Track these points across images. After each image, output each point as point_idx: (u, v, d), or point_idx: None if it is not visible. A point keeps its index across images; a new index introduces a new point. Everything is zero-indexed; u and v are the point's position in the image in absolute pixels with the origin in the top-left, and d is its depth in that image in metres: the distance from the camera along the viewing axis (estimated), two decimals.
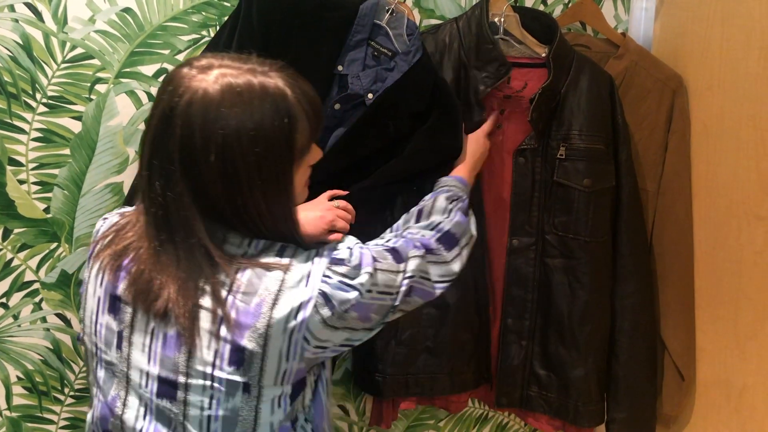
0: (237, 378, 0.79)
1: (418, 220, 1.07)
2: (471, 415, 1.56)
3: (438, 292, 0.97)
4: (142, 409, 0.84)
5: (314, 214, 1.08)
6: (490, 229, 1.33)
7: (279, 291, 0.80)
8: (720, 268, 1.27)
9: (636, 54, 1.36)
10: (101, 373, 0.87)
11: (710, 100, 1.29)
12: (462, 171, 1.19)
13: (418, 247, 0.95)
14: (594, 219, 1.27)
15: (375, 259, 0.87)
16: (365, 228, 1.17)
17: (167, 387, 0.81)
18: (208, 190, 0.80)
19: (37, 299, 1.29)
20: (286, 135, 0.81)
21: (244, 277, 0.80)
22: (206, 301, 0.79)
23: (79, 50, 1.23)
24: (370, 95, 1.21)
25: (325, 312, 0.81)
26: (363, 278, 0.84)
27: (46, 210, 1.26)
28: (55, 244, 1.28)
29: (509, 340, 1.33)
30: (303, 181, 0.92)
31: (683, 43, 1.36)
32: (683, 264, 1.33)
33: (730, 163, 1.24)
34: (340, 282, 0.83)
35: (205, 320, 0.79)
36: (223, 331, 0.79)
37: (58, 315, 1.31)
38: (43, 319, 1.30)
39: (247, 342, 0.78)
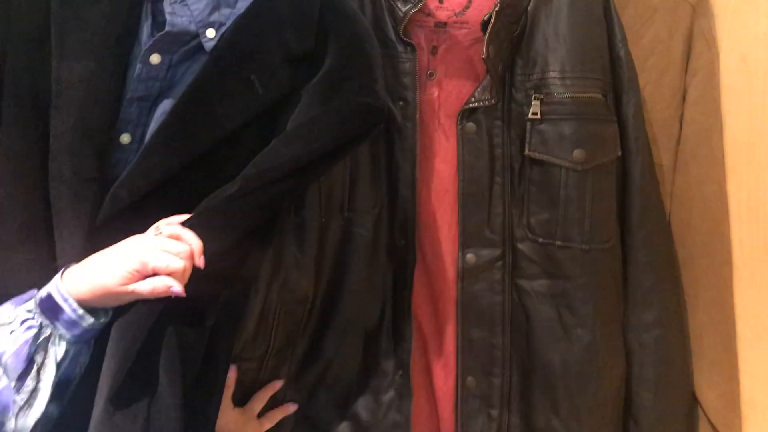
0: None
1: None
2: None
3: None
4: None
5: (114, 253, 0.64)
6: (430, 239, 0.87)
7: None
8: None
9: None
10: None
11: (752, 18, 0.90)
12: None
13: None
14: (593, 213, 0.83)
15: None
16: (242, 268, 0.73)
17: None
18: None
19: None
20: None
21: None
22: None
23: None
24: (210, 32, 0.72)
25: None
26: None
27: None
28: None
29: (472, 409, 0.88)
30: None
31: None
32: (718, 273, 0.94)
33: None
34: None
35: None
36: None
37: None
38: None
39: None
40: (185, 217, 0.67)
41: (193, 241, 0.65)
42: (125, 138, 0.70)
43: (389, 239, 0.85)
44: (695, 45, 0.93)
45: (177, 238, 0.65)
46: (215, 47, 0.71)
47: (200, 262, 0.64)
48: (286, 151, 0.71)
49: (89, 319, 0.62)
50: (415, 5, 0.80)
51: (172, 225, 0.66)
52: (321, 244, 0.81)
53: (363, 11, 0.82)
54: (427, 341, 0.88)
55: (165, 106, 0.71)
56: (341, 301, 0.82)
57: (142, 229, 0.66)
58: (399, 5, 0.81)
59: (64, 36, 0.67)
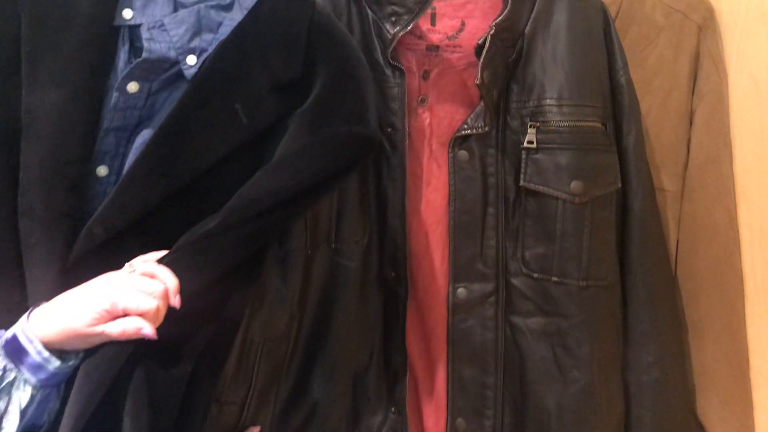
0: None
1: None
2: None
3: None
4: None
5: (83, 292, 0.61)
6: (422, 272, 0.83)
7: None
8: None
9: None
10: None
11: (762, 37, 0.84)
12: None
13: None
14: (591, 248, 0.78)
15: None
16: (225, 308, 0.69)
17: None
18: None
19: None
20: None
21: None
22: None
23: None
24: (191, 59, 0.68)
25: None
26: None
27: None
28: None
29: None
30: None
31: None
32: (730, 304, 0.88)
33: None
34: None
35: None
36: None
37: None
38: None
39: None
40: (162, 253, 0.64)
41: (168, 280, 0.61)
42: (102, 170, 0.67)
43: (379, 271, 0.81)
44: (702, 66, 0.88)
45: (151, 276, 0.61)
46: (196, 74, 0.67)
47: (176, 301, 0.61)
48: (272, 182, 0.67)
49: (56, 362, 0.59)
50: (404, 27, 0.75)
51: (147, 262, 0.63)
52: (306, 277, 0.76)
53: (351, 33, 0.77)
54: (418, 380, 0.84)
55: (144, 136, 0.68)
56: (328, 338, 0.77)
57: (119, 267, 0.62)
58: (388, 27, 0.76)
59: (35, 64, 0.64)
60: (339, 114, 0.70)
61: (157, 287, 0.60)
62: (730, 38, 0.87)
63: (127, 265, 0.63)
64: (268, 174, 0.67)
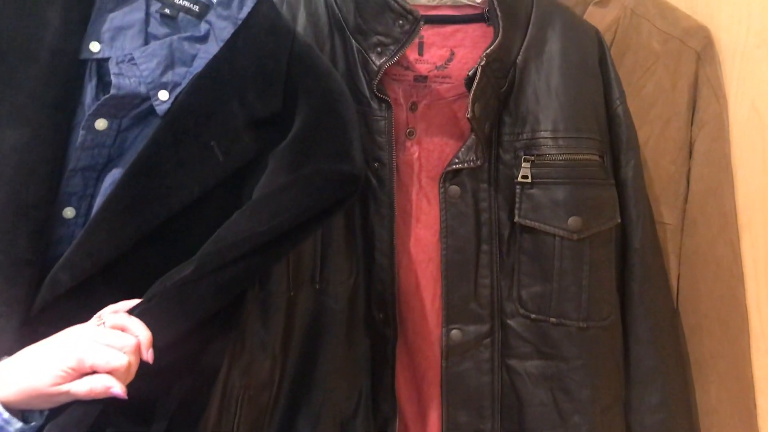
0: None
1: None
2: None
3: None
4: None
5: (46, 348, 0.57)
6: (412, 313, 0.79)
7: None
8: None
9: None
10: None
11: (763, 64, 0.82)
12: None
13: None
14: (591, 287, 0.75)
15: None
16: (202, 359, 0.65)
17: None
18: None
19: None
20: None
21: None
22: None
23: None
24: (163, 94, 0.65)
25: None
26: None
27: None
28: None
29: None
30: None
31: None
32: (734, 342, 0.85)
33: None
34: None
35: None
36: None
37: None
38: None
39: None
40: (133, 303, 0.60)
41: (140, 332, 0.57)
42: (69, 212, 0.63)
43: (366, 313, 0.77)
44: (701, 94, 0.85)
45: (122, 328, 0.57)
46: (169, 110, 0.64)
47: (148, 356, 0.57)
48: (250, 224, 0.63)
49: (17, 424, 0.55)
50: (390, 58, 0.72)
51: (117, 313, 0.59)
52: (289, 321, 0.73)
53: (335, 64, 0.74)
54: (408, 425, 0.80)
55: (114, 176, 0.64)
56: (313, 383, 0.74)
57: (86, 317, 0.58)
58: (373, 58, 0.73)
59: None
60: (321, 151, 0.66)
61: (128, 341, 0.56)
62: (731, 66, 0.85)
63: (95, 316, 0.59)
64: (246, 215, 0.64)
